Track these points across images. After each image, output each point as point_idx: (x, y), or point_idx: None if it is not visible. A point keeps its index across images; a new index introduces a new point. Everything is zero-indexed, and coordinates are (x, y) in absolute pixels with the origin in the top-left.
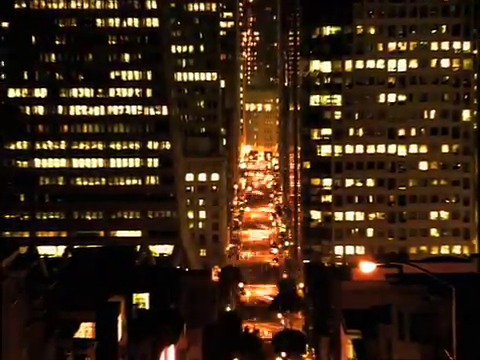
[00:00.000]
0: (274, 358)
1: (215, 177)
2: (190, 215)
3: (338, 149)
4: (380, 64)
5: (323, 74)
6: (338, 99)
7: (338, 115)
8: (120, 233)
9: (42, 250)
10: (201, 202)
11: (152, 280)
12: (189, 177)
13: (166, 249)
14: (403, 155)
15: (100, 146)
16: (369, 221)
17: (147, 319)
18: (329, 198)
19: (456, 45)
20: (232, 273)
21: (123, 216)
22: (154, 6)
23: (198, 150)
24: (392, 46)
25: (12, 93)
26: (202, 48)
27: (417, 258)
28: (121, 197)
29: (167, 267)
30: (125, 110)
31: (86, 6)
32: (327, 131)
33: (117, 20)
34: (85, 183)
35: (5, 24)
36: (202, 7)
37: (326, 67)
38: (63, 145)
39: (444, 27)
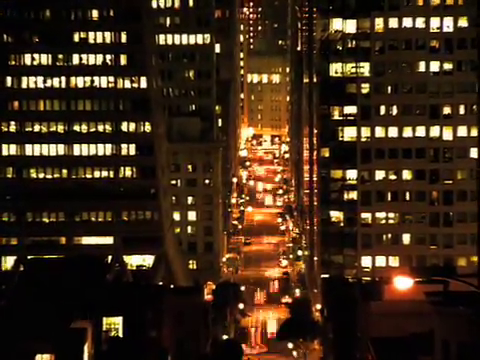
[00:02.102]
0: None
1: (208, 168)
2: (176, 217)
3: (365, 132)
4: (420, 23)
5: (346, 36)
6: (365, 68)
7: (366, 88)
8: (86, 240)
9: None
10: (190, 200)
11: (127, 300)
12: (175, 168)
13: (145, 260)
14: (449, 139)
15: (60, 128)
16: (405, 224)
17: (121, 350)
18: (354, 195)
19: None
20: (230, 291)
21: (90, 218)
22: None
23: (186, 134)
24: None
25: None
26: (191, 2)
27: (467, 272)
28: (88, 194)
29: (147, 283)
30: (93, 82)
31: None
32: (351, 109)
33: None
34: (41, 175)
35: None
36: None
37: (350, 27)
38: (13, 127)
39: None
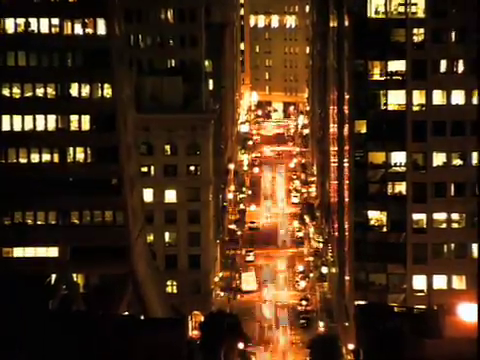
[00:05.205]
0: None
1: (194, 150)
2: (148, 218)
3: (418, 98)
4: None
5: None
6: (419, 5)
7: (419, 35)
8: (20, 251)
9: None
10: (169, 195)
11: (80, 336)
12: (147, 149)
13: (104, 280)
14: None
15: None
16: (475, 229)
17: None
18: (402, 187)
19: None
20: (224, 324)
21: (25, 220)
22: None
23: (163, 100)
24: None
25: None
26: None
27: None
28: (22, 186)
29: (107, 313)
30: (28, 26)
31: None
32: (399, 65)
33: None
34: None
35: None
36: None
37: None
38: None
39: None
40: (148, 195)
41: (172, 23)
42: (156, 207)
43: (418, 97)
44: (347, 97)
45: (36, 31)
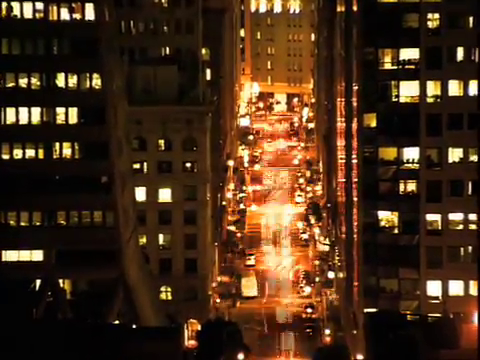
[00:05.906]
0: None
1: (190, 145)
2: (141, 219)
3: (433, 88)
4: None
5: None
6: None
7: (434, 20)
8: (2, 255)
9: None
10: (163, 194)
11: (65, 347)
12: (140, 145)
13: (93, 286)
14: None
15: None
16: None
17: None
18: (415, 186)
19: None
20: (224, 333)
21: (7, 221)
22: None
23: (157, 91)
24: None
25: None
26: None
27: None
28: (5, 184)
29: (96, 321)
30: (10, 11)
31: None
32: (412, 53)
33: None
34: None
35: None
36: None
37: None
38: None
39: None
40: (141, 194)
41: (166, 8)
42: (149, 207)
43: (432, 88)
44: (356, 88)
45: (19, 16)
